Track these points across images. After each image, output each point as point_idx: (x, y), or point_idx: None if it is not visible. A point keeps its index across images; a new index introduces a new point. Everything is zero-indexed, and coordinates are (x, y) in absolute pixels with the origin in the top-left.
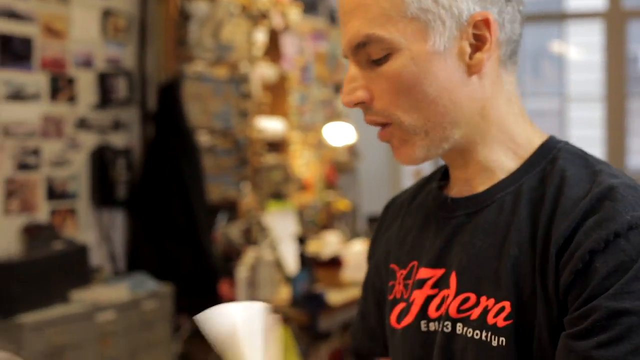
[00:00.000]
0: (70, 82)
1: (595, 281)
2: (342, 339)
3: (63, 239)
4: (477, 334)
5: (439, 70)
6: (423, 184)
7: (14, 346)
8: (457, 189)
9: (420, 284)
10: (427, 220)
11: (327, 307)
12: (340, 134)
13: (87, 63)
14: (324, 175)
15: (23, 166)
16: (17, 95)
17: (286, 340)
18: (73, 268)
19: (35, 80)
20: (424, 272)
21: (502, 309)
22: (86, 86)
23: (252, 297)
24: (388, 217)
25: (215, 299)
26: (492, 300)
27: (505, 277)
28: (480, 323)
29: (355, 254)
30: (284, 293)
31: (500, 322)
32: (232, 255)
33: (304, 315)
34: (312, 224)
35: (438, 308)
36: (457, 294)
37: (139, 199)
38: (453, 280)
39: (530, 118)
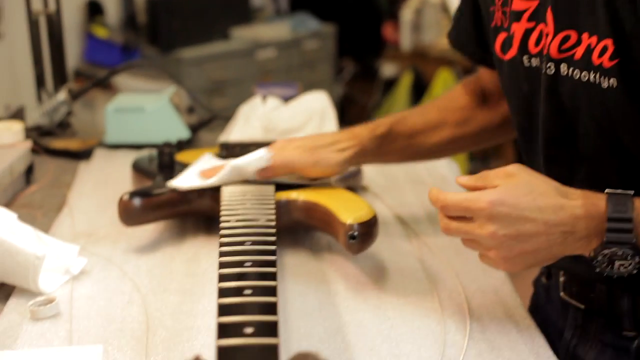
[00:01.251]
0: None
1: None
2: None
3: None
4: (584, 76)
5: None
6: None
7: (175, 79)
8: None
9: (518, 16)
10: None
11: None
12: None
13: None
14: None
15: None
16: None
17: (449, 83)
18: (234, 6)
19: None
20: (518, 3)
21: (605, 48)
22: None
23: (416, 40)
24: None
25: (379, 42)
26: (594, 39)
27: (601, 11)
28: (586, 63)
29: None
30: None
31: (607, 62)
32: None
33: (468, 59)
34: None
35: (537, 43)
36: (556, 32)
37: None
38: (549, 16)
39: None
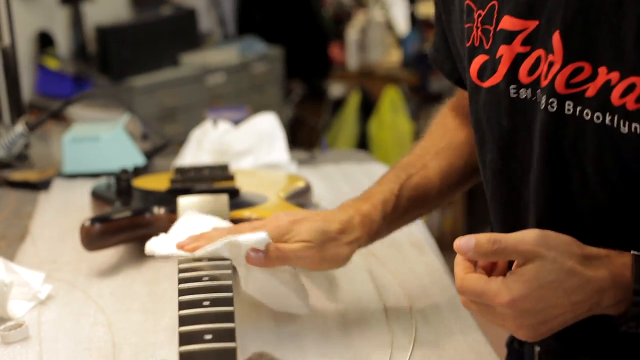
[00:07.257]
0: None
1: None
2: None
3: (171, 4)
4: (597, 117)
5: None
6: None
7: (127, 108)
8: None
9: (509, 38)
10: None
11: None
12: None
13: None
14: None
15: None
16: None
17: (396, 101)
18: (182, 32)
19: None
20: (510, 22)
21: (632, 86)
22: None
23: (362, 60)
24: None
25: (326, 63)
26: (615, 74)
27: (630, 43)
28: (601, 103)
29: None
30: (395, 55)
31: (631, 103)
32: (342, 18)
33: (415, 76)
34: None
35: (531, 72)
36: (565, 62)
37: None
38: (557, 42)
39: None
